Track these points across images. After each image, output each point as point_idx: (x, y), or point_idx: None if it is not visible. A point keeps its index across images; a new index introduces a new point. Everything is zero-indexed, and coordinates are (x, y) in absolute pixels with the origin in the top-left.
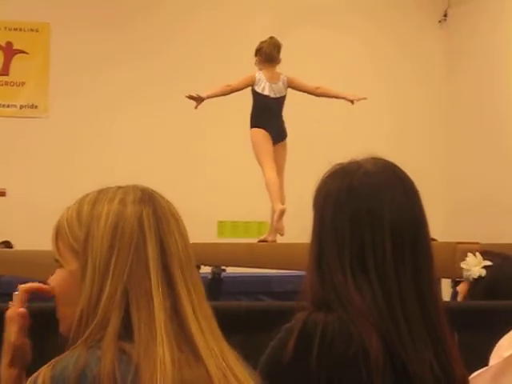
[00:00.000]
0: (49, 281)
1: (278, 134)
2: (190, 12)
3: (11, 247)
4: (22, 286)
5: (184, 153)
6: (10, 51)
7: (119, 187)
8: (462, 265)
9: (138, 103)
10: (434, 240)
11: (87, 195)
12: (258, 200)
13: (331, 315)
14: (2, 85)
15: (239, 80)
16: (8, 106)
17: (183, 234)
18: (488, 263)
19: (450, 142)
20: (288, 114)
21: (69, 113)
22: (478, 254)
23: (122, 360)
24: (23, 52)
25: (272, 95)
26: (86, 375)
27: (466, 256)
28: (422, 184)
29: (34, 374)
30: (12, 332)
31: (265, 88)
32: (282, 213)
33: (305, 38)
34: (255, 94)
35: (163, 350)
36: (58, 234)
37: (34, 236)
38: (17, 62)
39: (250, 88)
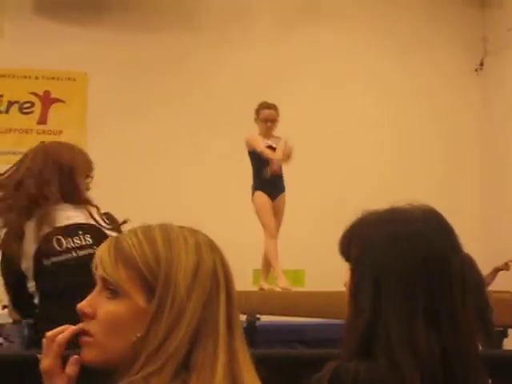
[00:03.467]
0: (84, 306)
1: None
2: (223, 56)
3: None
4: (59, 338)
5: (222, 196)
6: (48, 100)
7: (182, 227)
8: None
9: (177, 148)
10: None
11: (153, 229)
12: (293, 248)
13: (363, 363)
14: (40, 133)
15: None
16: None
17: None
18: None
19: (487, 194)
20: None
21: (105, 162)
22: None
23: None
24: (60, 101)
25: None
26: None
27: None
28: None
29: None
30: None
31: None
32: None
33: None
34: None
35: None
36: (122, 261)
37: None
38: (54, 110)
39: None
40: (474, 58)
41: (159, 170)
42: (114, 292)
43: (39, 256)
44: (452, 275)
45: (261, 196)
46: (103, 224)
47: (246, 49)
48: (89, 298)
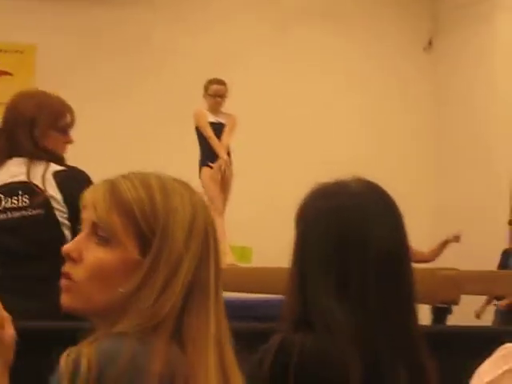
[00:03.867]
0: (70, 248)
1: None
2: (177, 41)
3: None
4: None
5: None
6: None
7: (173, 178)
8: None
9: (130, 130)
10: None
11: (148, 176)
12: (241, 225)
13: (309, 335)
14: None
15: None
16: None
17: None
18: None
19: (438, 170)
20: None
21: None
22: None
23: (174, 362)
24: (7, 73)
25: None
26: (136, 367)
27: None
28: (408, 213)
29: (70, 353)
30: None
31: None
32: None
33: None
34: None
35: (211, 363)
36: (117, 207)
37: None
38: (1, 83)
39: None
40: (423, 36)
41: (108, 153)
42: (104, 239)
43: None
44: (369, 254)
45: (207, 171)
46: (39, 185)
47: (208, 28)
48: (75, 240)
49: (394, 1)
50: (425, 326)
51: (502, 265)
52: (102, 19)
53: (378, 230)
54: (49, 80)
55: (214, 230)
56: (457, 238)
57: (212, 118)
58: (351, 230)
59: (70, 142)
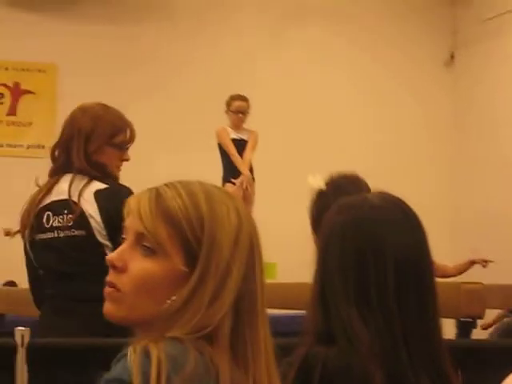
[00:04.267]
0: (115, 258)
1: None
2: (196, 51)
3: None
4: None
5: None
6: (18, 91)
7: (219, 189)
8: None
9: (150, 140)
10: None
11: (194, 187)
12: (264, 241)
13: (332, 349)
14: (9, 125)
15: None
16: (15, 146)
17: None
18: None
19: (456, 185)
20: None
21: None
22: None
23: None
24: (30, 92)
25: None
26: (200, 377)
27: None
28: (427, 225)
29: (136, 350)
30: None
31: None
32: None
33: (310, 85)
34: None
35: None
36: (164, 218)
37: None
38: (24, 102)
39: None
40: (445, 51)
41: (133, 165)
42: (150, 249)
43: (30, 231)
44: (388, 267)
45: (230, 188)
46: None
47: (222, 41)
48: (119, 250)
49: (415, 15)
50: (450, 340)
51: None
52: (121, 36)
53: (397, 242)
54: (71, 98)
55: (259, 241)
56: (485, 263)
57: (234, 135)
58: (369, 243)
59: (126, 159)
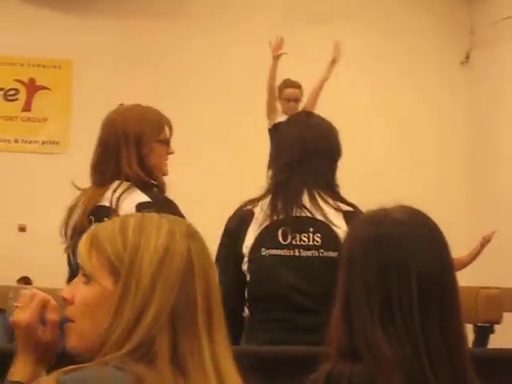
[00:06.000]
0: (65, 292)
1: None
2: (213, 48)
3: (30, 283)
4: (42, 295)
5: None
6: (33, 87)
7: (162, 216)
8: None
9: None
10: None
11: (129, 218)
12: None
13: (357, 366)
14: (25, 121)
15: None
16: (30, 142)
17: (217, 273)
18: None
19: (472, 190)
20: None
21: (90, 149)
22: None
23: None
24: (46, 88)
25: None
26: None
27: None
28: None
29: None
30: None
31: None
32: None
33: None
34: None
35: None
36: (93, 249)
37: (53, 273)
38: (39, 98)
39: None
40: (461, 51)
41: None
42: (86, 277)
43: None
44: (412, 282)
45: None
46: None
47: (236, 40)
48: (70, 284)
49: (431, 16)
50: (473, 349)
51: None
52: (136, 32)
53: (420, 256)
54: (85, 94)
55: (205, 257)
56: (488, 237)
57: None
58: (392, 258)
59: (171, 152)
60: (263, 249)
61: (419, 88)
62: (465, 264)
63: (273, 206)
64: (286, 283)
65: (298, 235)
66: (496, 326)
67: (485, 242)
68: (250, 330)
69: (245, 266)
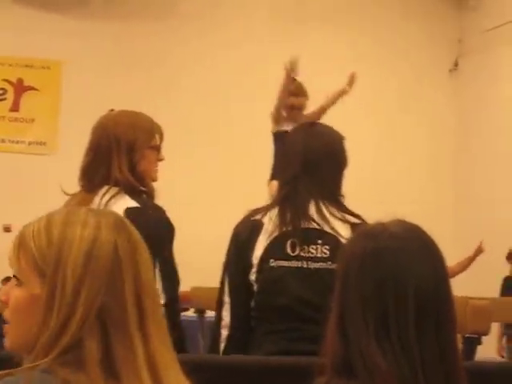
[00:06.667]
0: (1, 293)
1: None
2: (205, 50)
3: None
4: None
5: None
6: (21, 88)
7: (89, 209)
8: None
9: None
10: None
11: (54, 214)
12: None
13: (351, 381)
14: (12, 121)
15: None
16: (17, 142)
17: (151, 266)
18: None
19: (460, 193)
20: None
21: (77, 151)
22: None
23: None
24: (34, 89)
25: None
26: None
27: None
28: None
29: None
30: None
31: None
32: None
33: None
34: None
35: None
36: (21, 249)
37: None
38: (27, 98)
39: None
40: (449, 59)
41: None
42: (17, 279)
43: None
44: (408, 298)
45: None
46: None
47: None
48: (7, 286)
49: (419, 23)
50: (468, 362)
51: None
52: (128, 35)
53: (416, 271)
54: (75, 96)
55: (134, 249)
56: (479, 250)
57: (287, 127)
58: (390, 273)
59: (162, 159)
60: (272, 260)
61: (408, 95)
62: (453, 274)
63: (282, 218)
64: (294, 295)
65: (306, 247)
66: (484, 338)
67: (477, 252)
68: (255, 340)
69: (252, 276)
